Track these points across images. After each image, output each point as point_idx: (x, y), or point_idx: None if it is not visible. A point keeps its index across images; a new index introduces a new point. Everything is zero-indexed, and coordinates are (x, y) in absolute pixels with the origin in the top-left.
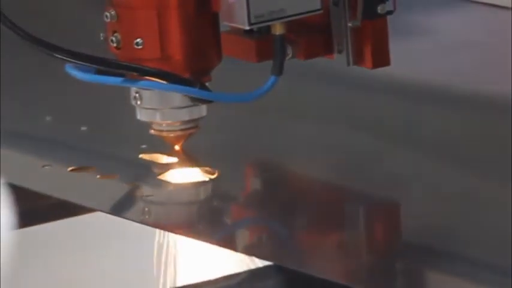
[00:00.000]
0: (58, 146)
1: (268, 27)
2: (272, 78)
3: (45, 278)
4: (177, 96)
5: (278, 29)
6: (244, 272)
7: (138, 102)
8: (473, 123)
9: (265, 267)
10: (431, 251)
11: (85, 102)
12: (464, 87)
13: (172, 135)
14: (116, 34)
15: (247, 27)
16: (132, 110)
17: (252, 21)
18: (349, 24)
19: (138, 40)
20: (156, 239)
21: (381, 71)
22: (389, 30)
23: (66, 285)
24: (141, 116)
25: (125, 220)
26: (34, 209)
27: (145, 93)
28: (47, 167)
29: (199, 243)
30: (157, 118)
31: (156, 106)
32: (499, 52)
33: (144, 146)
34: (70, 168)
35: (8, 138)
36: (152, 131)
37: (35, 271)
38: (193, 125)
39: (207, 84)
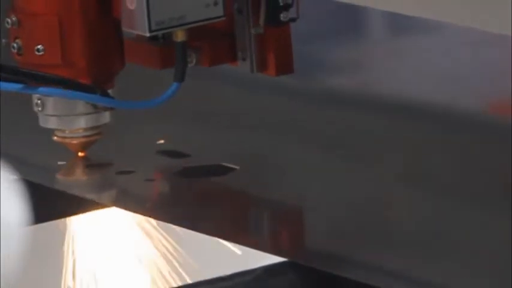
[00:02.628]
0: None
1: (171, 34)
2: (174, 85)
3: (59, 272)
4: (79, 103)
5: (179, 36)
6: (259, 268)
7: (40, 109)
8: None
9: (280, 264)
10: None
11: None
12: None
13: (75, 142)
14: (17, 40)
15: (148, 34)
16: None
17: (153, 28)
18: (252, 31)
19: (39, 46)
20: (171, 234)
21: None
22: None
23: (79, 280)
24: (43, 123)
25: (139, 216)
26: (49, 205)
27: (48, 100)
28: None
29: (214, 239)
30: (59, 125)
31: (59, 113)
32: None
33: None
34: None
35: (23, 134)
36: (55, 138)
37: (49, 266)
38: (97, 131)
39: (109, 91)
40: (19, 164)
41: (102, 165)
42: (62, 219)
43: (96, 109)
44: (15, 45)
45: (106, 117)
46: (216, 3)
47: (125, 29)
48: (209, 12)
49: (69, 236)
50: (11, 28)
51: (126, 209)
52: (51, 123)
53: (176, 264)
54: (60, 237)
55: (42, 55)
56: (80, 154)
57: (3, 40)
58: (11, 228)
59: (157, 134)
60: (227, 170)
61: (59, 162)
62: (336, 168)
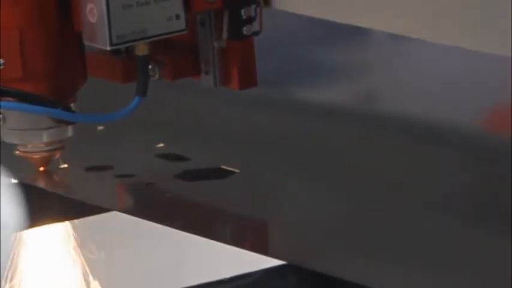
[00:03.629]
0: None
1: (133, 47)
2: (136, 99)
3: (59, 277)
4: (41, 117)
5: (141, 50)
6: (259, 271)
7: (1, 123)
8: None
9: (279, 267)
10: None
11: (100, 101)
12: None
13: (37, 156)
14: None
15: (109, 48)
16: (147, 107)
17: (114, 41)
18: (215, 45)
19: None
20: (170, 237)
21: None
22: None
23: (80, 285)
24: (5, 137)
25: (139, 219)
26: (49, 209)
27: (9, 114)
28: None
29: (214, 242)
30: (21, 140)
31: (20, 127)
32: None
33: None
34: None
35: None
36: (17, 152)
37: (49, 270)
38: (58, 146)
39: (71, 105)
40: (16, 168)
41: (102, 168)
42: (61, 223)
43: (58, 123)
44: None
45: (68, 131)
46: (178, 17)
47: (86, 42)
48: (171, 25)
49: (68, 240)
50: None
51: (125, 212)
52: (12, 137)
53: (176, 267)
54: (59, 241)
55: (2, 69)
56: (40, 169)
57: None
58: (8, 232)
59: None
60: (227, 174)
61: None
62: (325, 178)
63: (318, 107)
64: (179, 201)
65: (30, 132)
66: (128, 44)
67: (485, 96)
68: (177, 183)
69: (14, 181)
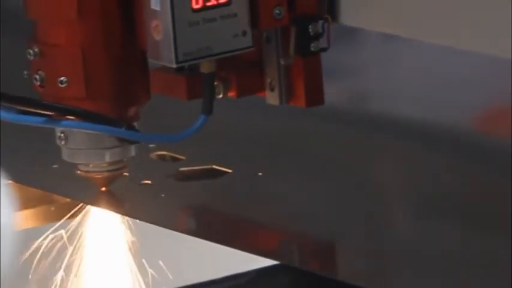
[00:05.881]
0: None
1: (198, 64)
2: (202, 117)
3: (49, 277)
4: (103, 137)
5: (207, 67)
6: (251, 271)
7: (63, 143)
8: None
9: (273, 267)
10: None
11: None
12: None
13: (99, 176)
14: (40, 72)
15: (175, 66)
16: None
17: (180, 59)
18: (282, 62)
19: (62, 78)
20: (163, 238)
21: None
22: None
23: (70, 285)
24: (66, 156)
25: (131, 219)
26: (41, 209)
27: (71, 134)
28: (55, 166)
29: (206, 242)
30: (83, 159)
31: (82, 146)
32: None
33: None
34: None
35: (15, 136)
36: (78, 172)
37: (38, 271)
38: (121, 165)
39: (134, 123)
40: (12, 168)
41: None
42: (56, 222)
43: (121, 143)
44: (37, 77)
45: (131, 150)
46: (244, 34)
47: (151, 60)
48: (238, 42)
49: (64, 239)
50: (33, 60)
51: (119, 212)
52: (74, 157)
53: (168, 268)
54: (54, 241)
55: (65, 87)
56: (102, 189)
57: (25, 72)
58: (4, 232)
59: None
60: (220, 174)
61: (54, 166)
62: (318, 179)
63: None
64: (173, 202)
65: (92, 152)
66: (194, 62)
67: (483, 97)
68: (170, 183)
69: (11, 182)
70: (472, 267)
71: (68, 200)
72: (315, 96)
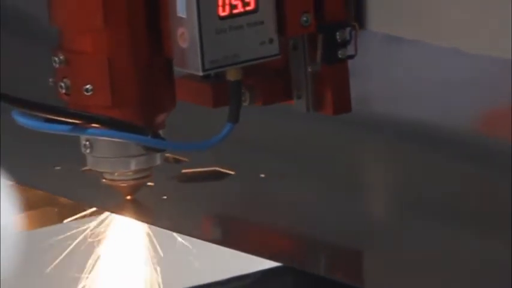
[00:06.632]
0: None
1: (225, 72)
2: (228, 125)
3: (53, 278)
4: (129, 145)
5: (233, 75)
6: (255, 273)
7: (88, 151)
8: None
9: (276, 269)
10: None
11: None
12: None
13: (124, 184)
14: (65, 80)
15: (201, 74)
16: None
17: (206, 67)
18: (309, 69)
19: (87, 86)
20: (167, 240)
21: None
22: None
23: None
24: (91, 164)
25: (135, 221)
26: (44, 210)
27: (97, 142)
28: (58, 168)
29: (209, 244)
30: (109, 167)
31: (107, 155)
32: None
33: None
34: (83, 169)
35: (19, 138)
36: (104, 181)
37: (43, 272)
38: (147, 174)
39: (160, 131)
40: (16, 169)
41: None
42: (59, 225)
43: (147, 151)
44: (62, 84)
45: (157, 159)
46: (271, 41)
47: (177, 68)
48: (264, 50)
49: (67, 242)
50: (58, 67)
51: (123, 214)
52: (100, 165)
53: (173, 269)
54: (57, 242)
55: (91, 95)
56: (128, 198)
57: (51, 79)
58: (7, 233)
59: None
60: (223, 176)
61: (56, 168)
62: (320, 180)
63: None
64: (176, 203)
65: (118, 160)
66: (220, 69)
67: (484, 99)
68: (173, 185)
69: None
70: (472, 267)
71: (71, 201)
72: (342, 103)
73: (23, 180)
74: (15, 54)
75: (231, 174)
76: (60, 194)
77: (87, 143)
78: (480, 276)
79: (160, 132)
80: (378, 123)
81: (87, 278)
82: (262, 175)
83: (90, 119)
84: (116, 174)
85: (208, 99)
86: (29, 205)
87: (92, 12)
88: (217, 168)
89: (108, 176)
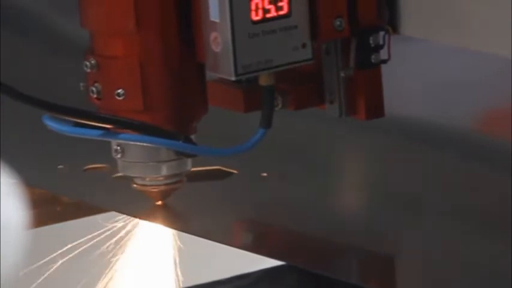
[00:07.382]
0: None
1: (257, 77)
2: (260, 131)
3: (57, 277)
4: (161, 150)
5: (266, 80)
6: (257, 272)
7: (119, 156)
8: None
9: (278, 267)
10: None
11: None
12: None
13: (155, 190)
14: (96, 84)
15: (234, 78)
16: None
17: (239, 71)
18: (342, 74)
19: (119, 91)
20: (169, 238)
21: None
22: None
23: (79, 285)
24: (122, 169)
25: (138, 220)
26: (48, 209)
27: (128, 147)
28: (61, 167)
29: (212, 243)
30: (140, 172)
31: (139, 160)
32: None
33: None
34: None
35: (22, 137)
36: (135, 186)
37: (48, 271)
38: (178, 179)
39: (192, 136)
40: (19, 168)
41: (101, 168)
42: (62, 223)
43: (178, 156)
44: (94, 89)
45: (188, 164)
46: (304, 46)
47: (210, 72)
48: (297, 55)
49: (68, 241)
50: (90, 72)
51: (124, 213)
52: (131, 170)
53: (174, 268)
54: (59, 242)
55: (122, 100)
56: (158, 203)
57: (82, 84)
58: (10, 232)
59: None
60: (226, 174)
61: (59, 166)
62: (323, 179)
63: (315, 108)
64: (178, 202)
65: (149, 165)
66: (253, 74)
67: (485, 98)
68: None
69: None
70: (472, 267)
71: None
72: (375, 108)
73: (24, 179)
74: (34, 57)
75: (234, 173)
76: (62, 193)
77: (118, 147)
78: (480, 276)
79: (192, 137)
80: (378, 123)
81: (89, 277)
82: (264, 174)
83: (121, 123)
84: (147, 179)
85: (240, 104)
86: (31, 204)
87: (124, 16)
88: (220, 167)
89: (139, 181)
